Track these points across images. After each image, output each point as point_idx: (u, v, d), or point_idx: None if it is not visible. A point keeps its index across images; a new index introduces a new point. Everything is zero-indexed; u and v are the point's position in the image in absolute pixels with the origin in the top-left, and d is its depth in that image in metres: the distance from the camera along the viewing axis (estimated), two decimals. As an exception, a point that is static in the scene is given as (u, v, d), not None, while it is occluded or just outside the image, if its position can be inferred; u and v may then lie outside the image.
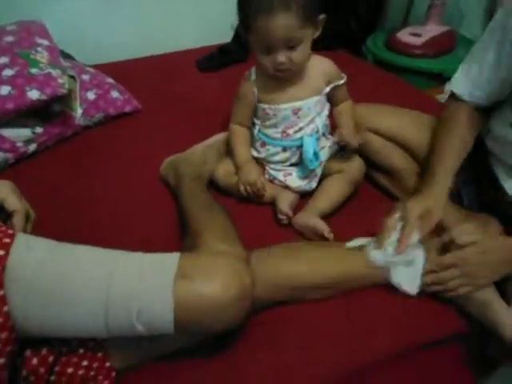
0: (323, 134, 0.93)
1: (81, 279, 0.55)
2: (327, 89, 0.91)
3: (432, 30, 1.57)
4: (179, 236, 0.83)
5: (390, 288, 0.74)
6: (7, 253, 0.53)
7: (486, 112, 0.83)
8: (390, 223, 0.73)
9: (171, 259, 0.58)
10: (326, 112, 0.93)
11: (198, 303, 0.55)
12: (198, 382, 0.65)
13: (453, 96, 0.85)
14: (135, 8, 1.68)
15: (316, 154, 0.89)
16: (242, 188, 0.92)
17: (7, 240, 0.55)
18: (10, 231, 0.56)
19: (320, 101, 0.91)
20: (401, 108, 0.95)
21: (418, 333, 0.72)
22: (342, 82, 0.92)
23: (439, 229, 0.73)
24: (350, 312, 0.72)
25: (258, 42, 0.80)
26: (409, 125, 0.93)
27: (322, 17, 0.82)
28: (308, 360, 0.67)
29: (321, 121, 0.92)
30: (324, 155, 0.92)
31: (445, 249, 0.71)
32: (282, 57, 0.80)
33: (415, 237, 0.71)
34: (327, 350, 0.68)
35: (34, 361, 0.57)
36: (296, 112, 0.89)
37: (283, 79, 0.86)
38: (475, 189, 0.85)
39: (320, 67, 0.89)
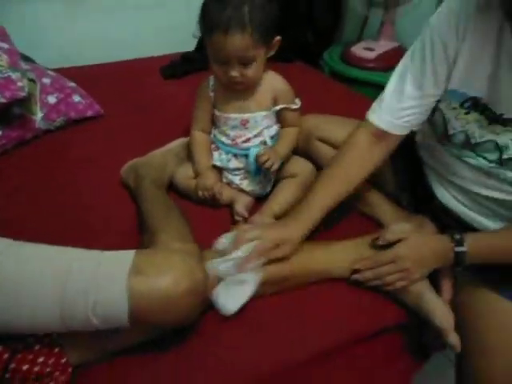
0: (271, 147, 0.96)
1: (37, 274, 0.56)
2: (277, 107, 0.94)
3: (384, 45, 1.68)
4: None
5: (333, 283, 0.79)
6: None
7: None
8: (243, 238, 0.74)
9: (126, 255, 0.61)
10: (275, 127, 0.98)
11: (150, 296, 0.57)
12: (153, 375, 0.67)
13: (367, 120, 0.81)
14: (99, 13, 1.69)
15: (258, 165, 0.91)
16: (200, 193, 0.96)
17: None
18: None
19: (268, 116, 0.95)
20: (348, 118, 1.01)
21: (360, 324, 0.77)
22: (293, 106, 0.95)
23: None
24: (296, 307, 0.76)
25: (214, 54, 0.85)
26: None
27: (277, 38, 0.87)
28: (257, 355, 0.70)
29: (269, 134, 0.96)
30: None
31: (382, 246, 0.77)
32: (235, 72, 0.85)
33: (259, 261, 0.73)
34: (276, 344, 0.71)
35: (-12, 358, 0.58)
36: (244, 123, 0.94)
37: (235, 90, 0.91)
38: (411, 193, 0.92)
39: (270, 84, 0.93)
